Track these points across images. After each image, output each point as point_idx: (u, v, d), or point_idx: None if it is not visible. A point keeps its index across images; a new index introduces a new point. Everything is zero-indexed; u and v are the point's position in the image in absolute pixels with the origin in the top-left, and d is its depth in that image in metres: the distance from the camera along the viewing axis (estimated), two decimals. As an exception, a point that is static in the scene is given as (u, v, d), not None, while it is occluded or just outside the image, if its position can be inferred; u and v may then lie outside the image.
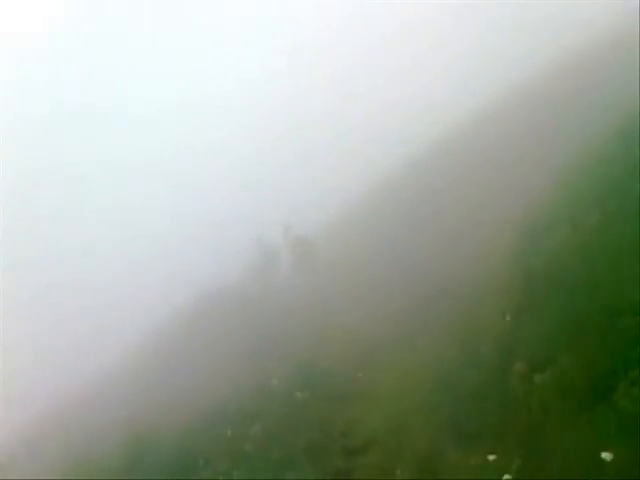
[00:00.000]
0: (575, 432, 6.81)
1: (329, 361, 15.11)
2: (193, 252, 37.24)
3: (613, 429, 6.46)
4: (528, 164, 16.40)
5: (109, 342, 28.64)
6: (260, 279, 26.23)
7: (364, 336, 15.86)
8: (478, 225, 15.65)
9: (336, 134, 44.44)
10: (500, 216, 14.44)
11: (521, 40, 33.93)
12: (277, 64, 58.94)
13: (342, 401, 12.64)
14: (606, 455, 5.78)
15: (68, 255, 45.79)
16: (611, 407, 6.77)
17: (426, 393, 10.75)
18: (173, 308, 28.07)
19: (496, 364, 9.15)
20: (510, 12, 37.40)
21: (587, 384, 7.39)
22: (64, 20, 66.24)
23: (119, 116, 63.77)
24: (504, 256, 11.62)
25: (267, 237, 28.80)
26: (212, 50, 66.57)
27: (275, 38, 62.59)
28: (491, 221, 14.91)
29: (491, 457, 7.19)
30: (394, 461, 9.63)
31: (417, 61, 44.82)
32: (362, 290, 19.60)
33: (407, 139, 32.76)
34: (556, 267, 9.68)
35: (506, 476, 6.70)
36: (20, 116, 63.48)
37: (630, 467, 5.75)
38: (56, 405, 21.82)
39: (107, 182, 54.27)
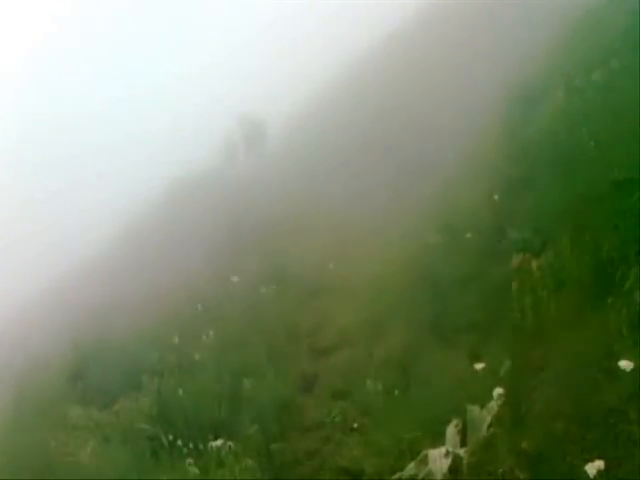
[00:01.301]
0: (580, 332, 5.55)
1: (298, 252, 13.85)
2: (161, 141, 35.44)
3: (627, 328, 5.20)
4: (520, 25, 14.55)
5: (74, 235, 27.31)
6: (226, 170, 25.11)
7: (336, 224, 14.57)
8: (464, 93, 13.98)
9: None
10: (488, 81, 12.75)
11: None
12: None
13: (311, 296, 11.46)
14: (625, 364, 4.49)
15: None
16: (624, 300, 5.49)
17: (404, 286, 9.51)
18: (140, 200, 26.71)
19: (482, 251, 7.83)
20: None
21: (592, 271, 6.08)
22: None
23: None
24: (493, 126, 10.07)
25: (233, 126, 28.07)
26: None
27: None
28: (479, 87, 13.25)
29: (478, 366, 5.92)
30: (365, 363, 8.50)
31: None
32: (335, 176, 18.17)
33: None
34: (552, 136, 8.21)
35: (498, 389, 5.46)
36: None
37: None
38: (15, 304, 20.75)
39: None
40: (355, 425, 7.00)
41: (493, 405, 5.85)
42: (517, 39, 14.81)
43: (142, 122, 41.30)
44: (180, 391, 8.04)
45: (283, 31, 42.27)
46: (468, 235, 8.39)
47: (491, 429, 5.64)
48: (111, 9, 55.99)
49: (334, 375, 8.73)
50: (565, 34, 11.26)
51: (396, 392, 7.28)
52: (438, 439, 6.07)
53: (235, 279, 11.78)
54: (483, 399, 5.98)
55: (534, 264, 6.40)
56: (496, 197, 7.76)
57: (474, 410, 5.97)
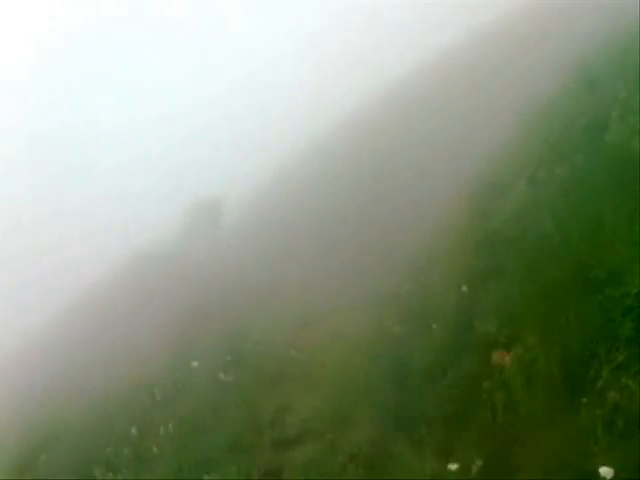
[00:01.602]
0: (553, 432, 5.47)
1: (259, 335, 13.60)
2: (122, 211, 35.20)
3: (601, 429, 5.15)
4: (481, 118, 15.05)
5: (19, 305, 26.52)
6: (186, 246, 25.00)
7: (298, 309, 14.39)
8: (427, 187, 14.24)
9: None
10: (451, 175, 13.03)
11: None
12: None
13: (272, 384, 11.16)
14: (605, 471, 4.41)
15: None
16: (596, 399, 5.46)
17: (368, 376, 9.35)
18: (96, 272, 26.19)
19: (450, 344, 7.78)
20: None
21: (562, 368, 6.07)
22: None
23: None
24: (458, 219, 10.21)
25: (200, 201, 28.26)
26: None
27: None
28: (442, 181, 13.52)
29: (451, 466, 5.77)
30: (331, 459, 8.21)
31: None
32: (298, 256, 18.12)
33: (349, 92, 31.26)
34: (517, 227, 8.33)
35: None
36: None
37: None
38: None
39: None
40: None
41: (466, 508, 5.68)
42: (477, 128, 15.29)
43: (104, 189, 41.13)
44: (136, 488, 7.62)
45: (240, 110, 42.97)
46: (434, 326, 8.35)
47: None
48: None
49: (299, 471, 8.40)
50: (528, 125, 11.66)
51: (365, 491, 7.03)
52: None
53: (195, 364, 11.44)
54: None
55: (505, 359, 6.35)
56: (464, 288, 7.77)
57: (446, 513, 5.80)
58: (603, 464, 4.56)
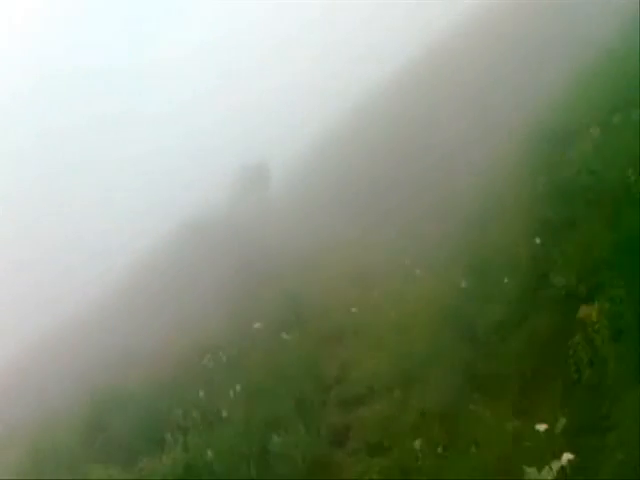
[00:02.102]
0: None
1: (317, 294, 13.47)
2: (175, 181, 35.36)
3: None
4: (549, 58, 14.30)
5: (86, 277, 26.95)
6: (242, 208, 24.98)
7: (358, 265, 14.19)
8: (490, 141, 13.69)
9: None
10: (516, 126, 12.45)
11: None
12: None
13: (334, 342, 11.04)
14: None
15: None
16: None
17: (434, 332, 9.10)
18: (155, 240, 26.39)
19: (523, 298, 7.45)
20: None
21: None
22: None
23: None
24: (526, 170, 9.72)
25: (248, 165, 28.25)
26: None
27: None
28: (505, 133, 12.97)
29: (541, 427, 5.52)
30: (401, 416, 8.06)
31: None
32: (354, 214, 17.85)
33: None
34: (592, 176, 7.86)
35: (567, 455, 5.05)
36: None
37: None
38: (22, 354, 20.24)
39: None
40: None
41: (554, 468, 5.44)
42: (545, 71, 14.59)
43: (152, 165, 41.38)
44: (207, 450, 7.61)
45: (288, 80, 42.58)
46: (506, 280, 8.01)
47: (553, 496, 5.23)
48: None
49: (368, 428, 8.27)
50: (598, 68, 11.01)
51: (439, 449, 6.85)
52: (492, 503, 5.66)
53: (257, 325, 11.38)
54: (540, 460, 5.58)
55: (589, 313, 6.01)
56: (537, 240, 7.39)
57: (531, 473, 5.57)
58: None
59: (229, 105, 44.69)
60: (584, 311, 5.98)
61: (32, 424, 11.40)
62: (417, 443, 6.89)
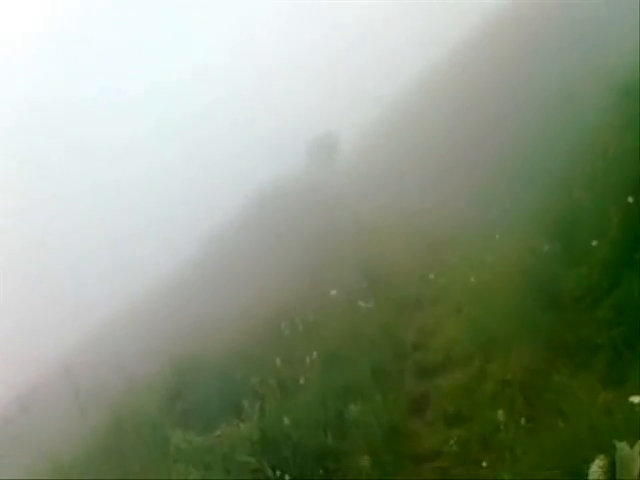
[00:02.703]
0: None
1: (393, 261, 13.22)
2: (250, 154, 35.77)
3: None
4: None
5: (165, 250, 27.64)
6: (316, 177, 25.06)
7: (435, 232, 13.83)
8: (564, 85, 12.96)
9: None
10: (587, 70, 11.69)
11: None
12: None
13: (412, 309, 10.81)
14: None
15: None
16: None
17: (515, 298, 8.68)
18: (232, 212, 26.76)
19: (614, 262, 6.97)
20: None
21: None
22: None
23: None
24: (605, 121, 9.10)
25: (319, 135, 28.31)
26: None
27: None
28: (580, 79, 12.23)
29: (635, 399, 5.14)
30: (481, 385, 7.77)
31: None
32: (426, 179, 17.42)
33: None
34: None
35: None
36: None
37: None
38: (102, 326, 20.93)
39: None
40: (483, 464, 6.27)
41: (647, 443, 5.06)
42: (615, 30, 13.67)
43: (222, 138, 41.90)
44: (283, 417, 7.56)
45: (355, 56, 42.18)
46: (594, 243, 7.52)
47: (647, 471, 4.86)
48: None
49: (447, 398, 8.04)
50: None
51: (522, 421, 6.54)
52: (579, 480, 5.33)
53: (333, 293, 11.27)
54: (632, 434, 5.21)
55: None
56: (630, 199, 6.86)
57: (623, 448, 5.20)
58: None
59: (296, 78, 44.84)
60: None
61: (113, 392, 11.72)
62: (499, 414, 6.61)
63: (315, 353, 8.58)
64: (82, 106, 52.25)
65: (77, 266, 32.91)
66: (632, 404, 5.12)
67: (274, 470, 6.69)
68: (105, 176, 43.82)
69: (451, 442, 7.08)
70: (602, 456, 5.27)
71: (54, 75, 58.19)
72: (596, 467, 5.29)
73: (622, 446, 5.20)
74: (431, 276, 11.81)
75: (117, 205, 38.60)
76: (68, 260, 33.92)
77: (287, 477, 6.57)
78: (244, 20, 56.48)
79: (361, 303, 10.68)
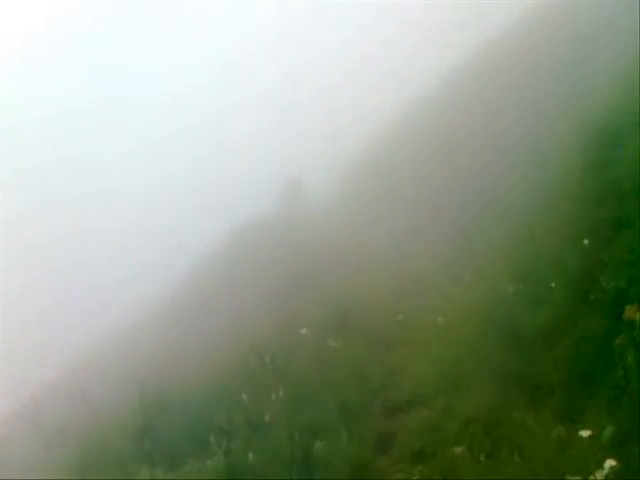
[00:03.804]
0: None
1: (364, 300, 13.39)
2: (219, 190, 35.98)
3: None
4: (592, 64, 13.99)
5: (129, 293, 27.53)
6: (287, 216, 25.36)
7: (403, 272, 14.08)
8: (537, 138, 13.42)
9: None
10: (563, 125, 12.18)
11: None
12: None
13: (380, 349, 10.95)
14: None
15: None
16: None
17: (481, 338, 8.91)
18: (206, 247, 26.80)
19: (572, 302, 7.23)
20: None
21: None
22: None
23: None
24: (573, 170, 9.47)
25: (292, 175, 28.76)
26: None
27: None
28: (553, 131, 12.69)
29: (581, 432, 5.34)
30: (445, 424, 7.91)
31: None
32: (397, 220, 17.73)
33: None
34: (643, 176, 7.58)
35: (610, 462, 4.87)
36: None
37: None
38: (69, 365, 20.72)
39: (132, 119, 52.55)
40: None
41: (598, 477, 5.24)
42: (591, 67, 14.25)
43: (198, 170, 42.04)
44: (249, 453, 7.62)
45: (336, 90, 42.80)
46: (553, 284, 7.80)
47: (599, 505, 5.03)
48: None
49: (412, 435, 8.15)
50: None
51: (482, 457, 6.68)
52: (535, 513, 5.48)
53: (303, 331, 11.40)
54: (585, 469, 5.38)
55: (637, 316, 5.78)
56: (586, 242, 7.17)
57: (576, 482, 5.38)
58: None
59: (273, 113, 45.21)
60: (630, 311, 5.75)
61: (79, 426, 11.64)
62: (458, 450, 6.75)
63: (281, 390, 8.66)
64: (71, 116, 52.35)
65: (49, 302, 32.60)
66: (581, 438, 5.30)
67: (238, 505, 6.74)
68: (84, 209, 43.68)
69: (414, 479, 7.18)
70: (556, 490, 5.44)
71: (53, 80, 58.47)
72: (551, 501, 5.46)
73: (575, 480, 5.39)
74: (400, 317, 12.01)
75: (92, 237, 38.38)
76: (39, 298, 33.58)
77: (251, 513, 6.62)
78: (217, 55, 57.19)
79: (330, 342, 10.80)
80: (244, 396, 8.87)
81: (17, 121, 52.90)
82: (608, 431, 5.63)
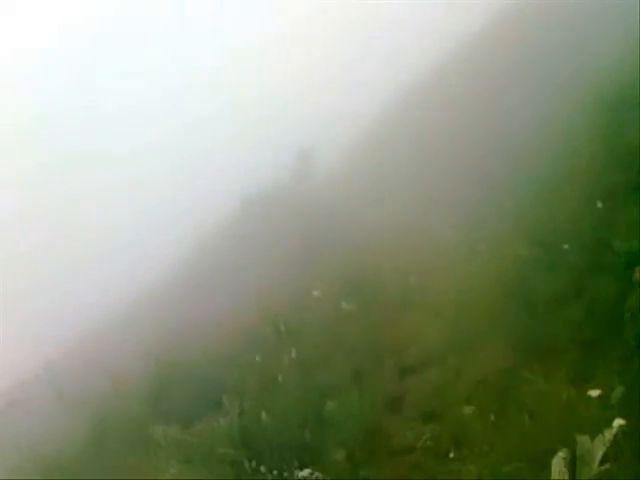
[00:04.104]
0: None
1: (377, 265, 13.42)
2: (229, 159, 35.91)
3: None
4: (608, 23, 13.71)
5: (145, 254, 27.71)
6: (296, 186, 25.37)
7: (414, 235, 14.05)
8: (551, 103, 13.25)
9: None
10: (578, 87, 12.00)
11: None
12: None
13: (393, 312, 11.00)
14: None
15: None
16: None
17: (493, 301, 8.93)
18: (219, 216, 26.87)
19: (584, 265, 7.21)
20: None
21: None
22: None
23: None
24: (588, 133, 9.36)
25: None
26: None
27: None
28: (568, 93, 12.51)
29: (589, 392, 5.37)
30: (456, 384, 7.98)
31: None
32: (409, 187, 17.66)
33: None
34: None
35: (618, 420, 4.91)
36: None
37: None
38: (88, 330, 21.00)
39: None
40: (451, 455, 6.48)
41: (607, 437, 5.28)
42: (605, 35, 13.98)
43: (209, 138, 41.94)
44: (262, 413, 7.74)
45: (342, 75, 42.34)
46: (566, 247, 7.77)
47: (606, 464, 5.08)
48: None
49: (423, 396, 8.24)
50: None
51: (492, 417, 6.75)
52: (542, 472, 5.54)
53: (316, 293, 11.47)
54: (594, 429, 5.42)
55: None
56: (600, 204, 7.12)
57: (585, 441, 5.42)
58: None
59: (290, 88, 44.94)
60: (639, 273, 5.73)
61: (97, 392, 11.85)
62: (468, 410, 6.83)
63: (294, 352, 8.76)
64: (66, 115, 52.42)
65: (65, 271, 32.88)
66: (590, 398, 5.33)
67: (250, 461, 6.87)
68: (93, 182, 43.87)
69: (424, 437, 7.28)
70: (565, 449, 5.49)
71: (53, 83, 58.42)
72: (558, 459, 5.52)
73: (583, 440, 5.43)
74: (413, 279, 12.03)
75: (104, 211, 38.61)
76: (56, 266, 33.90)
77: (262, 468, 6.75)
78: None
79: (343, 305, 10.86)
80: (257, 358, 8.98)
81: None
82: (617, 391, 5.67)
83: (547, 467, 5.48)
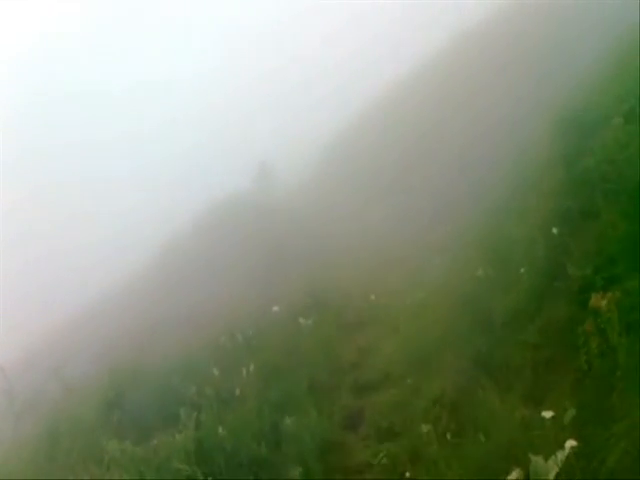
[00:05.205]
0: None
1: (337, 280, 13.53)
2: (195, 166, 35.87)
3: None
4: (569, 48, 14.14)
5: (107, 258, 27.44)
6: (260, 197, 25.61)
7: (376, 255, 14.22)
8: (511, 128, 13.59)
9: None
10: (536, 114, 12.33)
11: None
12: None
13: (352, 328, 11.11)
14: None
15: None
16: None
17: (450, 320, 9.10)
18: (176, 224, 26.77)
19: (539, 288, 7.41)
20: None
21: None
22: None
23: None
24: (545, 159, 9.63)
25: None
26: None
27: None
28: (527, 120, 12.85)
29: (543, 413, 5.51)
30: (413, 402, 8.09)
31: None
32: (374, 204, 17.86)
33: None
34: (613, 166, 7.74)
35: (570, 441, 5.04)
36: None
37: None
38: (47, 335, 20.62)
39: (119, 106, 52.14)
40: (407, 474, 6.55)
41: (559, 457, 5.42)
42: (565, 62, 14.42)
43: (174, 145, 41.83)
44: (219, 427, 7.71)
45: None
46: (522, 270, 7.97)
47: (558, 484, 5.21)
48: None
49: (380, 413, 8.33)
50: (620, 56, 10.83)
51: (448, 436, 6.86)
52: (497, 491, 5.66)
53: (275, 308, 11.50)
54: (547, 449, 5.56)
55: (602, 303, 5.95)
56: (555, 230, 7.33)
57: (538, 461, 5.55)
58: None
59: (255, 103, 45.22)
60: (595, 299, 5.91)
61: (49, 399, 11.64)
62: (426, 429, 6.92)
63: (252, 366, 8.75)
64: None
65: (20, 275, 32.29)
66: (544, 418, 5.47)
67: (206, 477, 6.83)
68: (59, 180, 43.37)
69: (381, 455, 7.35)
70: (518, 469, 5.62)
71: (47, 73, 57.72)
72: (513, 479, 5.64)
73: (536, 460, 5.56)
74: (372, 297, 12.15)
75: (68, 212, 38.13)
76: (10, 269, 33.24)
77: (219, 484, 6.73)
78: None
79: (302, 320, 10.91)
80: (215, 371, 8.94)
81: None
82: (570, 413, 5.82)
83: (501, 486, 5.59)
